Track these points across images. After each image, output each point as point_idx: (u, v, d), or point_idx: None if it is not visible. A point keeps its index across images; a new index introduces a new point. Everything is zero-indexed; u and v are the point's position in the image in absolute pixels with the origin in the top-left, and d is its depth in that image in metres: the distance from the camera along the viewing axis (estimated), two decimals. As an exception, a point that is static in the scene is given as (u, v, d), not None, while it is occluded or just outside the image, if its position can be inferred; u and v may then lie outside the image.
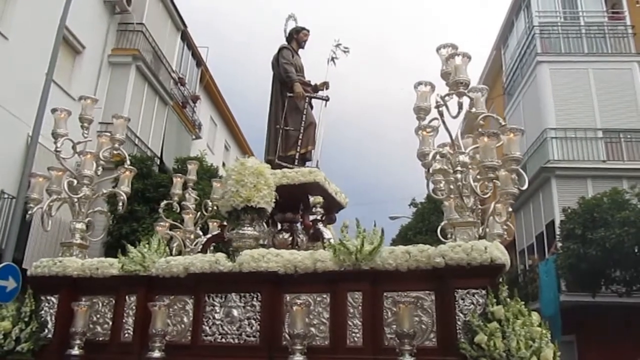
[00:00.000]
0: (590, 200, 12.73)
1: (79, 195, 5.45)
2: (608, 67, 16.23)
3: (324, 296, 4.48)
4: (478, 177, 4.61)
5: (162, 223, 6.52)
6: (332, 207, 6.51)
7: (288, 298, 4.55)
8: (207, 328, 4.67)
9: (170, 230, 6.59)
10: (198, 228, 6.91)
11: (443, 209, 6.06)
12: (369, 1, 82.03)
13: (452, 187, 4.57)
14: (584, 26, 17.08)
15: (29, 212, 5.47)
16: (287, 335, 4.35)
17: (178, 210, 6.88)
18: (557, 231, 13.60)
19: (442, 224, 5.85)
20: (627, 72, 16.12)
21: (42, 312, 5.16)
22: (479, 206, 4.89)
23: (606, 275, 12.54)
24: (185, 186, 6.99)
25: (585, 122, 15.71)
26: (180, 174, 7.33)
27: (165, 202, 6.83)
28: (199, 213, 6.94)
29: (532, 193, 15.63)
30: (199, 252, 6.04)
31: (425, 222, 18.78)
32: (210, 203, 6.88)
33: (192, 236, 6.74)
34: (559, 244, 13.32)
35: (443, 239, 5.66)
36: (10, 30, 11.80)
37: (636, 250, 11.73)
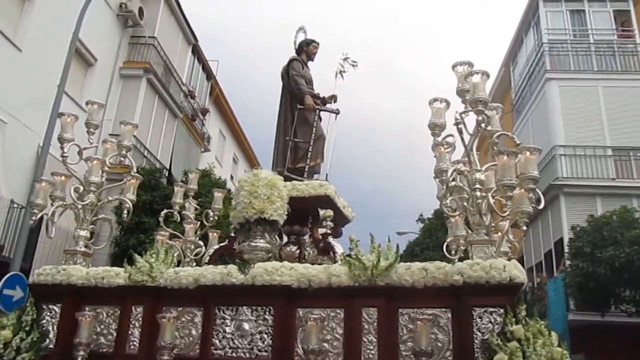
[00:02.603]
0: (599, 219, 12.64)
1: (84, 202, 5.33)
2: (617, 85, 16.23)
3: (338, 311, 4.40)
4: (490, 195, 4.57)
5: (162, 232, 6.45)
6: (339, 221, 6.49)
7: (301, 312, 4.48)
8: (217, 341, 4.59)
9: (169, 239, 6.52)
10: (197, 238, 6.84)
11: (448, 226, 6.06)
12: (368, 15, 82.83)
13: (465, 204, 4.52)
14: (594, 44, 17.11)
15: (32, 217, 5.28)
16: (299, 351, 4.30)
17: (178, 220, 6.80)
18: (566, 249, 13.49)
19: (448, 240, 5.85)
20: (637, 90, 16.11)
21: (44, 321, 5.00)
22: (492, 224, 4.85)
23: (615, 294, 12.39)
24: (186, 195, 6.93)
25: (595, 140, 15.68)
26: (181, 183, 7.28)
27: (165, 211, 6.76)
28: (199, 223, 6.87)
29: (541, 210, 15.48)
30: (206, 263, 6.00)
31: (433, 238, 18.71)
32: (211, 213, 6.83)
33: (193, 246, 6.68)
34: (568, 262, 13.20)
35: (448, 255, 5.67)
36: (24, 42, 11.96)
37: (646, 270, 11.60)
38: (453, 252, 5.79)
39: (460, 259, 5.21)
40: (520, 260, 16.04)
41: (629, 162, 15.55)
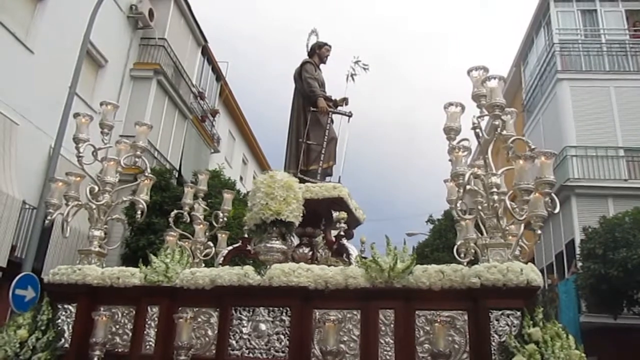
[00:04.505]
0: (611, 220, 12.51)
1: (100, 203, 5.36)
2: (630, 85, 16.11)
3: (354, 313, 4.42)
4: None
5: (172, 233, 6.47)
6: (351, 222, 6.48)
7: (318, 314, 4.49)
8: (234, 342, 4.62)
9: (179, 240, 6.52)
10: (207, 239, 6.82)
11: (457, 229, 6.05)
12: (371, 18, 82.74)
13: (479, 207, 4.52)
14: (605, 44, 16.99)
15: (48, 217, 5.33)
16: (316, 352, 4.32)
17: (188, 221, 6.80)
18: (577, 250, 13.38)
19: (458, 243, 5.84)
20: (649, 90, 15.95)
21: (59, 321, 5.02)
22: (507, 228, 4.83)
23: (628, 296, 12.26)
24: (196, 196, 6.93)
25: (606, 141, 15.56)
26: (191, 184, 7.29)
27: (175, 211, 6.76)
28: (208, 224, 6.85)
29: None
30: (220, 264, 6.01)
31: (443, 239, 18.67)
32: (221, 214, 6.82)
33: (202, 247, 6.68)
34: (579, 264, 13.10)
35: (458, 258, 5.67)
36: (35, 44, 12.04)
37: (659, 272, 11.48)
38: (462, 255, 5.80)
39: (471, 262, 5.22)
40: (531, 262, 15.87)
41: (641, 163, 15.43)
